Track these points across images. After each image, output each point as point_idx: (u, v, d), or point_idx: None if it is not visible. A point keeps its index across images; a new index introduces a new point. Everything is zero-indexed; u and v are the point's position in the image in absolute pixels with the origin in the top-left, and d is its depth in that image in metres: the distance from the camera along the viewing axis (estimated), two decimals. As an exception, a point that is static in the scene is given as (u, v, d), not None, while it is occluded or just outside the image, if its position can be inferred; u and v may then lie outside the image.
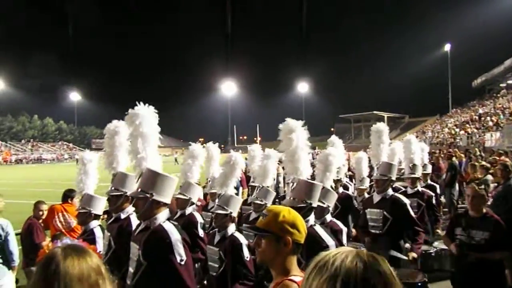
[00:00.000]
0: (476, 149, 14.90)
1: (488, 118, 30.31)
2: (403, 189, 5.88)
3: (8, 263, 4.19)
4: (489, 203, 5.48)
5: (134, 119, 3.13)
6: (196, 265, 3.85)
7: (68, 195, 5.19)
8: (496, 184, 6.24)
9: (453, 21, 75.34)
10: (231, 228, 3.43)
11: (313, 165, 3.98)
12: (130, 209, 3.30)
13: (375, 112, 68.13)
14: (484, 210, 3.49)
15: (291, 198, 2.92)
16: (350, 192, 6.39)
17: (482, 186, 3.56)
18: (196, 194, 4.67)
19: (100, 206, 3.86)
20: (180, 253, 2.42)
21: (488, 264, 3.29)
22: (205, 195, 6.35)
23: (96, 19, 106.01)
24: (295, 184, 3.21)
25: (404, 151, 6.26)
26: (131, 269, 2.60)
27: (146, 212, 2.54)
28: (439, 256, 5.11)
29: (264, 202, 4.37)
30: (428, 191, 5.81)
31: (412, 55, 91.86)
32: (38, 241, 4.63)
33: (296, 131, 3.48)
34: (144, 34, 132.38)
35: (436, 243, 5.39)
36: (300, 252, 1.72)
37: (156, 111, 3.26)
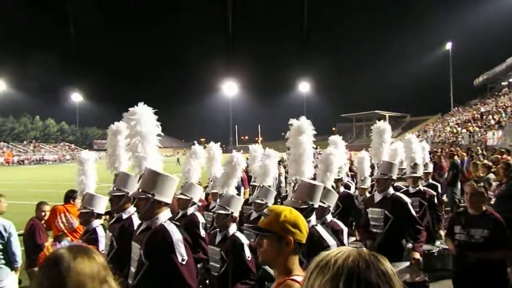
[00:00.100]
0: (478, 147, 14.87)
1: (490, 116, 30.20)
2: (405, 188, 5.88)
3: (11, 264, 4.20)
4: (492, 202, 5.48)
5: (131, 119, 3.13)
6: (198, 265, 3.86)
7: (70, 196, 5.20)
8: (498, 183, 6.23)
9: (455, 19, 75.29)
10: (233, 228, 3.43)
11: (315, 165, 3.98)
12: (131, 209, 3.31)
13: (376, 111, 67.95)
14: (484, 208, 3.45)
15: (293, 199, 2.93)
16: (351, 191, 6.39)
17: (481, 184, 3.50)
18: (197, 194, 4.68)
19: (102, 205, 3.88)
20: (182, 253, 2.42)
21: (488, 264, 3.26)
22: (207, 195, 6.36)
23: (98, 19, 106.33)
24: (296, 185, 3.21)
25: (405, 150, 6.25)
26: (132, 269, 2.61)
27: (147, 212, 2.55)
28: (441, 255, 5.09)
29: (265, 201, 4.37)
30: (430, 190, 5.80)
31: (414, 54, 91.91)
32: (41, 242, 4.64)
33: (306, 132, 3.46)
34: (145, 34, 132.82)
35: (438, 243, 5.38)
36: (301, 252, 1.72)
37: (158, 111, 3.25)
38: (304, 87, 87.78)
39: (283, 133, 3.59)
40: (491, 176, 6.96)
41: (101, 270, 1.22)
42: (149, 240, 2.49)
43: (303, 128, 3.48)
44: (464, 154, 13.15)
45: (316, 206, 2.94)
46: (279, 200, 10.40)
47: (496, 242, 3.26)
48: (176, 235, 2.47)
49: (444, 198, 8.87)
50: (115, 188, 3.42)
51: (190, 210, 4.39)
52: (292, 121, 3.59)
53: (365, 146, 6.51)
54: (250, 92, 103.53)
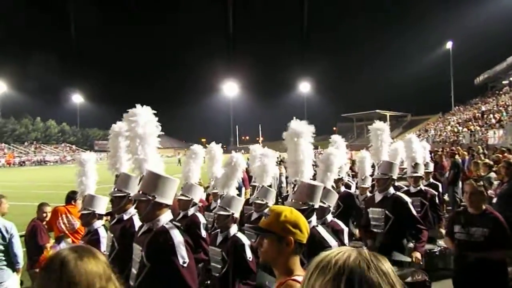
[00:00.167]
0: (479, 146, 14.83)
1: (491, 115, 30.15)
2: (406, 188, 5.87)
3: (12, 265, 4.20)
4: (494, 201, 5.46)
5: (131, 121, 3.12)
6: (199, 265, 3.86)
7: (71, 197, 5.20)
8: (499, 182, 6.22)
9: (455, 18, 75.25)
10: (233, 229, 3.43)
11: (315, 165, 3.97)
12: (133, 210, 3.31)
13: (377, 111, 67.92)
14: (484, 207, 3.44)
15: (293, 201, 2.93)
16: (352, 190, 6.38)
17: (481, 183, 3.49)
18: (198, 195, 4.68)
19: (103, 205, 3.88)
20: (183, 255, 2.43)
21: (488, 264, 3.25)
22: (207, 195, 6.36)
23: (99, 19, 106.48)
24: (296, 186, 3.21)
25: (406, 150, 6.24)
26: (134, 271, 2.61)
27: (148, 214, 2.55)
28: (443, 255, 5.08)
29: (265, 201, 4.37)
30: (431, 190, 5.78)
31: (414, 53, 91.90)
32: (42, 243, 4.65)
33: (302, 136, 3.45)
34: (146, 35, 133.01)
35: (440, 242, 5.37)
36: (302, 252, 1.72)
37: (158, 112, 3.25)
38: (304, 87, 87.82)
39: (284, 133, 3.56)
40: (492, 175, 6.95)
41: (106, 268, 1.24)
42: (151, 242, 2.49)
43: (299, 131, 3.44)
44: (465, 153, 13.14)
45: (316, 206, 2.94)
46: (280, 200, 10.41)
47: (496, 241, 3.24)
48: (178, 237, 2.47)
49: (446, 197, 8.86)
50: (116, 189, 3.42)
51: (191, 210, 4.40)
52: (289, 123, 3.55)
53: (366, 146, 6.50)
54: (251, 92, 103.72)
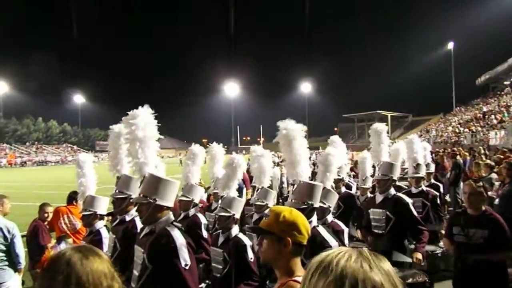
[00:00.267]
0: (481, 147, 14.78)
1: (492, 116, 30.07)
2: (407, 188, 5.86)
3: (14, 265, 4.21)
4: (496, 202, 5.45)
5: (131, 123, 3.11)
6: (200, 265, 3.86)
7: (73, 197, 5.22)
8: (500, 183, 6.21)
9: (456, 19, 75.09)
10: (235, 230, 3.44)
11: (316, 165, 3.97)
12: (134, 212, 3.31)
13: (378, 111, 67.92)
14: (483, 208, 3.39)
15: (292, 201, 2.93)
16: (353, 191, 6.38)
17: (480, 183, 3.44)
18: (198, 195, 4.68)
19: (103, 206, 3.88)
20: (185, 257, 2.43)
21: (488, 265, 3.22)
22: (208, 195, 6.37)
23: (100, 19, 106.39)
24: (295, 186, 3.21)
25: (407, 150, 6.24)
26: (135, 272, 2.61)
27: (149, 217, 2.56)
28: (445, 256, 5.07)
29: (265, 202, 4.37)
30: (432, 190, 5.77)
31: (415, 54, 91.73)
32: (44, 243, 4.66)
33: (295, 138, 3.43)
34: (147, 35, 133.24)
35: (442, 243, 5.36)
36: (303, 253, 1.71)
37: (159, 112, 3.25)
38: (306, 87, 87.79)
39: (277, 134, 3.53)
40: (494, 176, 6.93)
41: (110, 267, 1.26)
42: (153, 244, 2.50)
43: (291, 133, 3.42)
44: (467, 154, 13.11)
45: (316, 205, 2.94)
46: (280, 200, 10.42)
47: (496, 243, 3.21)
48: (180, 239, 2.47)
49: (447, 198, 8.85)
50: (117, 191, 3.43)
51: (192, 211, 4.40)
52: (279, 124, 3.50)
53: (367, 146, 6.51)
54: (252, 93, 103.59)
